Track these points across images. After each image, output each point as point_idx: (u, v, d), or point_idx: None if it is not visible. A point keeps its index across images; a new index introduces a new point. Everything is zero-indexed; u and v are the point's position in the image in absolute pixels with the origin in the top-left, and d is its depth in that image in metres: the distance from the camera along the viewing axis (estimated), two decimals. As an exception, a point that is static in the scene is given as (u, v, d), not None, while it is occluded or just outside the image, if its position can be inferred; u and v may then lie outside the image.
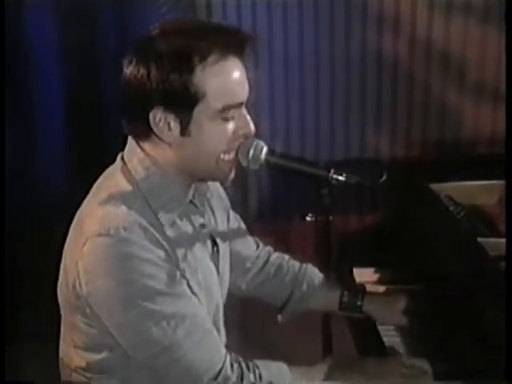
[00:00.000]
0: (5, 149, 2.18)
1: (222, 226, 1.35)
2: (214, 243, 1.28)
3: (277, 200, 2.65)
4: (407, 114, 2.58)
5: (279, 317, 1.50)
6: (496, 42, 2.52)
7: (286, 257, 1.52)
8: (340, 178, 1.22)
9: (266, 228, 2.57)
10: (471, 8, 2.62)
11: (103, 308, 1.10)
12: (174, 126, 1.10)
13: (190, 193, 1.20)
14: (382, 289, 1.64)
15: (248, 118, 1.14)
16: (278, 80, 2.83)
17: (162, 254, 1.09)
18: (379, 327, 1.44)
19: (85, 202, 1.17)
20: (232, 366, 1.13)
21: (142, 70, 1.08)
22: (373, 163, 1.39)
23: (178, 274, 1.11)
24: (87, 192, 1.19)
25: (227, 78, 1.09)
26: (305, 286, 1.46)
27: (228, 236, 1.37)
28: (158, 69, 1.07)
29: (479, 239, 1.48)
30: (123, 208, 1.09)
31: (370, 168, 1.40)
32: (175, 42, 1.08)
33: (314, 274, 1.48)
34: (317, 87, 2.83)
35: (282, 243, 2.61)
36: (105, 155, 1.20)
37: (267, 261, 1.49)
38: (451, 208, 1.70)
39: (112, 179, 1.16)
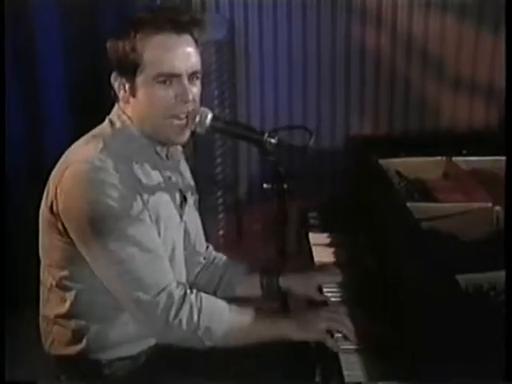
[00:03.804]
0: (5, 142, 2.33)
1: (191, 198, 1.54)
2: (184, 198, 1.49)
3: (240, 170, 2.86)
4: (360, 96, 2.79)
5: None
6: (455, 28, 2.70)
7: (216, 252, 1.68)
8: (273, 140, 1.41)
9: (231, 196, 2.80)
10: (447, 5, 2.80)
11: (74, 225, 1.30)
12: (126, 87, 1.34)
13: (158, 148, 1.41)
14: (331, 251, 1.83)
15: (186, 86, 1.33)
16: (268, 68, 3.01)
17: (129, 184, 1.29)
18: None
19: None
20: (178, 287, 1.31)
21: (108, 43, 1.35)
22: (303, 129, 1.57)
23: (141, 203, 1.31)
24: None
25: (160, 51, 1.30)
26: (230, 272, 1.62)
27: (195, 204, 1.58)
28: (113, 41, 1.33)
29: (409, 204, 1.65)
30: (101, 145, 1.31)
31: (301, 134, 1.57)
32: (125, 20, 1.35)
33: (237, 265, 1.65)
34: (304, 76, 3.02)
35: (245, 209, 2.84)
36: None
37: (211, 260, 1.65)
38: (394, 180, 1.88)
39: (98, 128, 1.40)
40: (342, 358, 1.29)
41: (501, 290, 1.26)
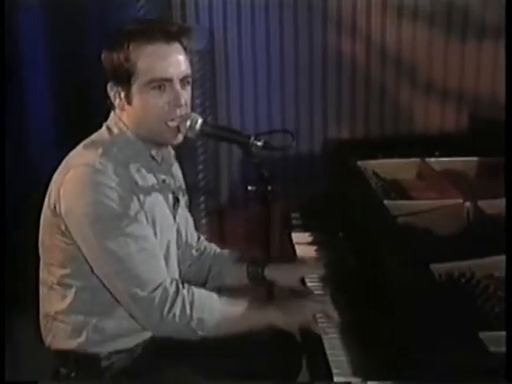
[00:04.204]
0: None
1: (182, 199, 1.63)
2: (177, 200, 1.57)
3: (221, 176, 2.97)
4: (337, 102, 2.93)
5: None
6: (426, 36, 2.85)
7: (207, 242, 1.76)
8: (259, 143, 1.50)
9: (216, 198, 2.89)
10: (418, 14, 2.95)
11: (75, 225, 1.37)
12: (121, 95, 1.42)
13: (153, 152, 1.49)
14: (314, 248, 1.93)
15: (178, 91, 1.42)
16: (247, 76, 3.12)
17: (127, 186, 1.38)
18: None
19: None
20: (171, 283, 1.39)
21: (103, 55, 1.43)
22: (285, 133, 1.68)
23: (138, 204, 1.39)
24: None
25: (152, 59, 1.39)
26: (219, 263, 1.71)
27: (186, 204, 1.66)
28: (107, 52, 1.42)
29: (386, 201, 1.76)
30: (101, 150, 1.40)
31: (283, 137, 1.67)
32: (118, 33, 1.43)
33: (226, 254, 1.74)
34: (282, 83, 3.13)
35: (227, 213, 2.94)
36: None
37: (202, 250, 1.74)
38: (371, 180, 1.99)
39: (96, 134, 1.48)
40: (326, 343, 1.39)
41: (470, 277, 1.37)
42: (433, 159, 2.06)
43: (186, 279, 1.52)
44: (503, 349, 1.10)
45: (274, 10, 3.07)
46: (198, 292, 1.42)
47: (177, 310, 1.37)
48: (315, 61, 3.03)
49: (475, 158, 2.04)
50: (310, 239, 1.99)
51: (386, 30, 2.98)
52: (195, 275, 1.68)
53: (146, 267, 1.37)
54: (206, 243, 1.76)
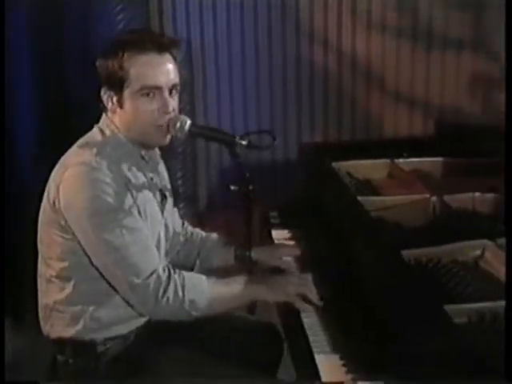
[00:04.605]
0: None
1: (169, 196, 1.73)
2: (164, 196, 1.68)
3: (208, 174, 3.10)
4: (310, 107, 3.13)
5: None
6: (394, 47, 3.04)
7: (192, 227, 1.89)
8: (243, 142, 1.62)
9: (200, 197, 3.02)
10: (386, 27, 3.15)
11: (74, 219, 1.47)
12: (114, 99, 1.53)
13: (143, 152, 1.60)
14: (292, 244, 2.05)
15: (167, 99, 1.52)
16: (223, 83, 3.26)
17: (121, 183, 1.48)
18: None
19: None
20: (164, 270, 1.50)
21: (97, 62, 1.54)
22: (264, 134, 1.81)
23: (131, 199, 1.50)
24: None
25: (144, 67, 1.50)
26: (208, 247, 1.84)
27: (172, 201, 1.77)
28: (102, 59, 1.53)
29: (359, 198, 1.90)
30: (95, 150, 1.50)
31: (260, 138, 1.80)
32: (112, 43, 1.54)
33: (215, 238, 1.87)
34: (257, 91, 3.28)
35: (212, 210, 3.07)
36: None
37: (188, 235, 1.85)
38: (345, 180, 2.13)
39: (89, 134, 1.58)
40: (305, 320, 1.50)
41: (436, 262, 1.51)
42: (401, 160, 2.21)
43: (175, 264, 1.62)
44: (465, 319, 1.25)
45: (249, 19, 3.25)
46: (188, 275, 1.53)
47: (170, 293, 1.47)
48: (289, 69, 3.20)
49: (440, 159, 2.20)
50: (288, 235, 2.11)
51: (356, 41, 3.18)
52: (184, 259, 1.79)
53: (141, 256, 1.48)
54: (190, 228, 1.88)
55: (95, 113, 1.63)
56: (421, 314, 1.26)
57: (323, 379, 1.33)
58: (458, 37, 3.20)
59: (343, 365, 1.35)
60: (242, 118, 3.18)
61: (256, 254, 1.79)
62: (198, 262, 1.83)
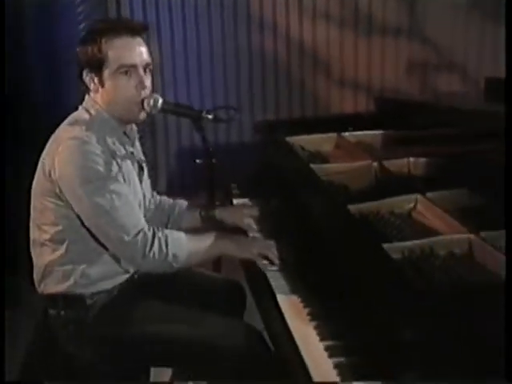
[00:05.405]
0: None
1: (145, 168, 1.94)
2: (141, 168, 1.89)
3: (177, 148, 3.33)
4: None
5: None
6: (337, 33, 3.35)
7: (160, 196, 2.10)
8: (209, 116, 1.86)
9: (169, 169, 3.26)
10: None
11: (68, 186, 1.67)
12: (95, 80, 1.74)
13: (125, 128, 1.80)
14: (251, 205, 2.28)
15: (142, 76, 1.74)
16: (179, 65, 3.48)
17: (108, 154, 1.69)
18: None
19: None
20: (149, 228, 1.70)
21: (78, 49, 1.75)
22: (231, 108, 2.05)
23: (117, 167, 1.70)
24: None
25: (120, 48, 1.71)
26: (176, 211, 2.06)
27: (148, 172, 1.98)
28: (82, 45, 1.74)
29: (312, 165, 2.15)
30: (84, 126, 1.70)
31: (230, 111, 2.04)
32: (91, 30, 1.76)
33: (181, 203, 2.09)
34: (212, 76, 3.52)
35: (179, 181, 3.30)
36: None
37: (157, 203, 2.07)
38: (298, 152, 2.38)
39: (76, 114, 1.77)
40: (269, 275, 1.75)
41: (376, 213, 1.79)
42: (347, 133, 2.47)
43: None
44: (400, 256, 1.52)
45: (202, 4, 3.49)
46: (170, 233, 1.74)
47: (155, 248, 1.67)
48: (241, 55, 3.46)
49: (380, 131, 2.48)
50: (249, 203, 2.35)
51: (303, 29, 3.47)
52: (157, 223, 2.00)
53: (129, 217, 1.68)
54: (159, 197, 2.10)
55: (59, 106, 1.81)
56: (365, 253, 1.53)
57: (286, 317, 1.56)
58: (396, 24, 3.53)
59: (302, 304, 1.60)
60: (198, 95, 3.46)
61: (219, 213, 2.04)
62: (168, 226, 2.04)
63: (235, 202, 2.36)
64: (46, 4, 3.16)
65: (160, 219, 2.05)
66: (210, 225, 2.02)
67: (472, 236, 1.55)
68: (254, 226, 2.04)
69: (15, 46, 3.03)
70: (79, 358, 1.75)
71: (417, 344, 1.23)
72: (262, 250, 1.79)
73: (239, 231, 2.04)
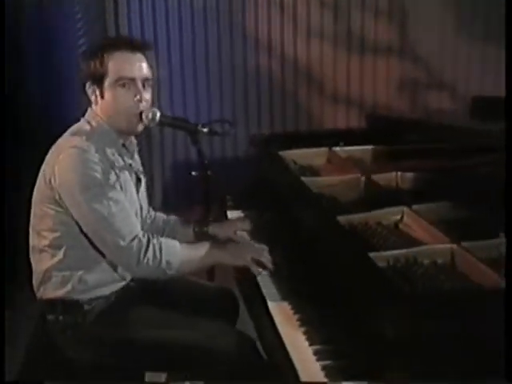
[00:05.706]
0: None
1: (143, 180, 2.01)
2: (139, 180, 1.96)
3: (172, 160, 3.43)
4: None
5: None
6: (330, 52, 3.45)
7: (154, 211, 2.16)
8: (205, 129, 1.93)
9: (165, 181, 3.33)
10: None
11: (68, 193, 1.73)
12: (97, 92, 1.82)
13: (124, 141, 1.87)
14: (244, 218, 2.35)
15: (141, 89, 1.82)
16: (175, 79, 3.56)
17: (106, 163, 1.76)
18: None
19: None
20: (144, 235, 1.76)
21: (81, 62, 1.84)
22: (225, 122, 2.13)
23: (115, 176, 1.77)
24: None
25: (120, 62, 1.80)
26: (170, 227, 2.13)
27: (146, 185, 2.05)
28: (85, 59, 1.83)
29: (303, 178, 2.23)
30: (85, 137, 1.78)
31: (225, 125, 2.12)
32: (92, 47, 1.86)
33: (175, 219, 2.16)
34: (208, 89, 3.61)
35: (175, 193, 3.37)
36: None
37: (152, 218, 2.14)
38: (290, 165, 2.46)
39: (78, 125, 1.85)
40: (260, 281, 1.81)
41: (364, 224, 1.86)
42: (338, 148, 2.56)
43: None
44: (385, 264, 1.59)
45: (199, 21, 3.58)
46: (164, 240, 1.80)
47: (150, 255, 1.73)
48: (237, 73, 3.56)
49: (370, 146, 2.57)
50: (242, 215, 2.41)
51: (298, 47, 3.58)
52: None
53: (125, 223, 1.75)
54: (153, 212, 2.16)
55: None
56: (352, 261, 1.60)
57: (277, 323, 1.63)
58: (387, 43, 3.64)
59: (292, 310, 1.66)
60: (194, 111, 3.55)
61: (213, 229, 2.11)
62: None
63: (229, 213, 2.43)
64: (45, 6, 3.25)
65: (155, 233, 2.10)
66: (203, 240, 2.08)
67: (454, 246, 1.62)
68: (247, 238, 2.11)
69: (15, 47, 3.11)
70: (78, 361, 1.81)
71: (400, 346, 1.28)
72: (255, 255, 1.84)
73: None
